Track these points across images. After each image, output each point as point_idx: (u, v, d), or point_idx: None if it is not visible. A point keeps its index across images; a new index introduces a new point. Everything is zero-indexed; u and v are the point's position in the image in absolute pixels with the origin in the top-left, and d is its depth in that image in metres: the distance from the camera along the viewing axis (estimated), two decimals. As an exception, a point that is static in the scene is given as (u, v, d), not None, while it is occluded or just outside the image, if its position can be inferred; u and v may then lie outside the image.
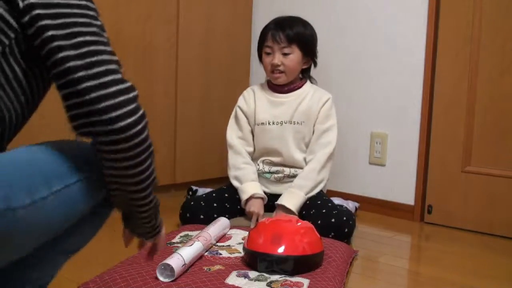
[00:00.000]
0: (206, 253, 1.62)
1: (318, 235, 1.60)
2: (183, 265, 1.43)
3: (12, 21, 0.83)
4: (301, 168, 2.10)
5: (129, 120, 0.83)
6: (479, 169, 2.19)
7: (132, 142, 0.84)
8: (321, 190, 2.07)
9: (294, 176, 2.08)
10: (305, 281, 1.43)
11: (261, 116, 2.12)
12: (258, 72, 2.50)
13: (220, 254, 1.63)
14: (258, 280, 1.43)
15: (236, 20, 2.74)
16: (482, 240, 2.11)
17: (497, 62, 2.13)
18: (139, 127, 0.84)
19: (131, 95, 0.84)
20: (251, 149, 2.15)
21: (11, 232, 0.78)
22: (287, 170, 2.11)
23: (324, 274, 1.49)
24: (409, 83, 2.35)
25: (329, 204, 1.95)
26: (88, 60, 0.83)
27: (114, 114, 0.81)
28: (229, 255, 1.62)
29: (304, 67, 2.14)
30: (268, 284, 1.41)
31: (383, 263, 1.80)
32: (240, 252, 1.64)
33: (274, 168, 2.12)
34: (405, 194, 2.38)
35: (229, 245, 1.72)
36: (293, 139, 2.09)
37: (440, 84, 2.28)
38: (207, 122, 2.60)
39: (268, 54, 2.09)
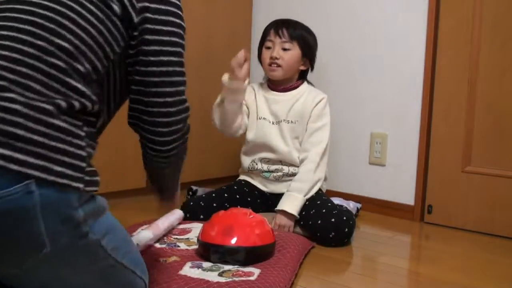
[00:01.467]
0: (164, 246, 1.66)
1: (270, 227, 1.65)
2: None
3: (125, 33, 0.99)
4: (296, 166, 2.09)
5: (174, 137, 1.12)
6: (479, 169, 2.19)
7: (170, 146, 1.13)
8: (320, 190, 2.07)
9: (293, 174, 2.07)
10: (256, 271, 1.49)
11: (261, 112, 2.13)
12: (257, 72, 2.50)
13: (178, 246, 1.68)
14: (211, 271, 1.48)
15: (236, 20, 2.74)
16: (482, 240, 2.11)
17: (497, 62, 2.13)
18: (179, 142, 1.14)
19: (183, 115, 1.12)
20: (242, 132, 2.15)
21: (80, 253, 0.91)
22: (285, 169, 2.11)
23: (276, 264, 1.54)
24: (409, 83, 2.35)
25: (329, 204, 1.95)
26: (164, 79, 1.03)
27: (165, 129, 1.09)
28: (187, 247, 1.67)
29: (302, 68, 2.15)
30: (220, 274, 1.46)
31: (383, 263, 1.80)
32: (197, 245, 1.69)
33: (273, 167, 2.12)
34: (405, 194, 2.38)
35: (187, 238, 1.76)
36: (290, 138, 2.10)
37: (440, 84, 2.28)
38: (207, 122, 2.60)
39: (268, 48, 2.10)
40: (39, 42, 0.88)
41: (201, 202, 2.00)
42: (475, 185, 2.20)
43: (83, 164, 0.88)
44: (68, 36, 0.91)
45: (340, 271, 1.73)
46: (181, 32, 1.07)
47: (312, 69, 2.20)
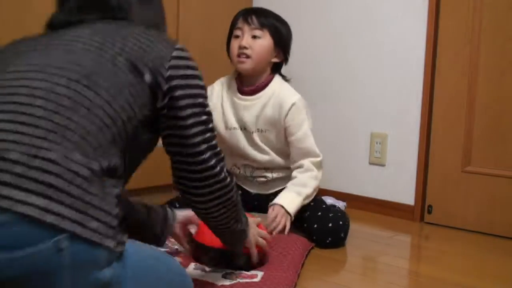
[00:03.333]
0: (166, 249, 1.64)
1: (265, 232, 1.57)
2: None
3: (154, 99, 1.02)
4: (283, 169, 1.99)
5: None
6: (479, 169, 2.19)
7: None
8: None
9: (277, 178, 1.99)
10: (259, 273, 1.48)
11: (229, 120, 1.98)
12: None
13: (180, 250, 1.66)
14: (215, 272, 1.48)
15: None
16: (482, 240, 2.11)
17: (497, 62, 2.13)
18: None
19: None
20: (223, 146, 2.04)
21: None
22: (269, 175, 2.01)
23: (278, 266, 1.54)
24: (409, 83, 2.35)
25: (323, 206, 1.92)
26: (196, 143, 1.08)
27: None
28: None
29: (275, 60, 1.95)
30: (224, 276, 1.45)
31: (383, 263, 1.80)
32: None
33: (256, 173, 2.02)
34: (405, 194, 2.37)
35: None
36: (266, 146, 1.97)
37: (440, 84, 2.28)
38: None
39: (236, 37, 1.92)
40: (83, 106, 0.91)
41: (176, 204, 1.89)
42: (475, 185, 2.20)
43: (115, 223, 0.86)
44: (107, 98, 0.94)
45: (340, 271, 1.73)
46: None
47: (286, 62, 2.00)
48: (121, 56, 0.97)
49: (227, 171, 1.14)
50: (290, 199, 1.87)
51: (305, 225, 1.88)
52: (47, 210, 0.77)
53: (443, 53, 2.26)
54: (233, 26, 1.96)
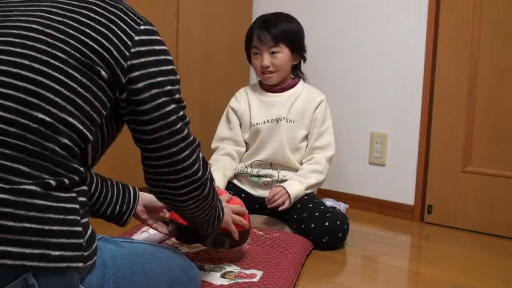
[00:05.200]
0: (168, 250, 1.63)
1: (246, 212, 1.53)
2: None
3: (111, 94, 0.95)
4: (291, 169, 2.06)
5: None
6: (479, 169, 2.19)
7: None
8: (312, 192, 2.02)
9: (283, 181, 2.02)
10: (259, 272, 1.48)
11: (256, 118, 2.08)
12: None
13: (180, 250, 1.66)
14: (213, 271, 1.48)
15: (236, 20, 2.74)
16: (482, 240, 2.11)
17: (497, 62, 2.13)
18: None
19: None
20: (242, 149, 2.11)
21: None
22: (275, 175, 2.06)
23: (278, 266, 1.53)
24: (409, 83, 2.35)
25: (322, 207, 1.92)
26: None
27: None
28: (188, 251, 1.66)
29: (294, 63, 2.10)
30: (222, 275, 1.45)
31: (383, 263, 1.80)
32: (199, 247, 1.67)
33: (263, 172, 2.07)
34: (405, 194, 2.38)
35: None
36: (286, 138, 2.05)
37: (440, 84, 2.28)
38: (206, 122, 2.60)
39: (256, 54, 2.06)
40: (22, 120, 0.82)
41: None
42: (475, 185, 2.20)
43: (81, 241, 0.84)
44: (53, 110, 0.85)
45: (340, 271, 1.73)
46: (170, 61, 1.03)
47: (305, 60, 2.13)
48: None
49: (203, 160, 1.09)
50: (292, 184, 1.95)
51: (302, 226, 1.88)
52: (5, 254, 0.77)
53: (443, 53, 2.26)
54: (249, 42, 2.09)
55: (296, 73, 2.16)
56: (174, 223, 1.44)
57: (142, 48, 0.96)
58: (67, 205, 0.84)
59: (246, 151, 2.12)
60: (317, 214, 1.88)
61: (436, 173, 2.30)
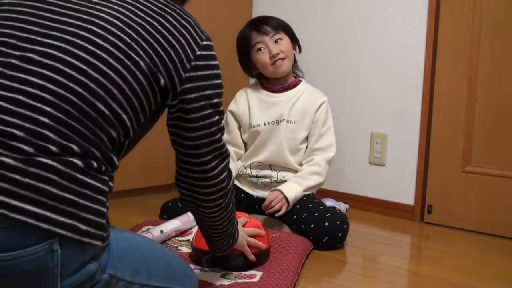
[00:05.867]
0: (166, 248, 1.64)
1: (265, 232, 1.60)
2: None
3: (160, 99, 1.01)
4: (290, 170, 2.05)
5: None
6: (479, 169, 2.19)
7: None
8: (311, 193, 2.01)
9: (282, 181, 2.02)
10: (258, 273, 1.48)
11: (255, 119, 2.06)
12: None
13: (180, 250, 1.68)
14: (214, 271, 1.48)
15: (236, 20, 2.74)
16: (482, 240, 2.11)
17: (497, 62, 2.13)
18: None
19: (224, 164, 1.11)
20: (241, 151, 2.11)
21: None
22: (274, 176, 2.05)
23: (277, 266, 1.53)
24: (409, 83, 2.35)
25: (321, 207, 1.92)
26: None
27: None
28: (189, 250, 1.66)
29: (294, 52, 2.09)
30: (222, 275, 1.46)
31: (383, 263, 1.80)
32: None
33: (262, 172, 2.06)
34: (405, 194, 2.38)
35: (189, 240, 1.76)
36: (285, 139, 2.03)
37: (440, 84, 2.28)
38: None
39: (259, 50, 2.02)
40: (85, 108, 0.89)
41: (178, 204, 1.94)
42: (475, 185, 2.20)
43: (104, 221, 0.90)
44: (114, 105, 0.92)
45: (340, 271, 1.73)
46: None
47: (300, 51, 2.12)
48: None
49: (229, 170, 1.14)
50: (290, 187, 1.95)
51: (302, 226, 1.88)
52: (43, 218, 0.82)
53: (443, 53, 2.26)
54: (247, 44, 2.05)
55: (294, 71, 2.14)
56: (193, 248, 1.56)
57: (200, 63, 1.04)
58: (101, 186, 0.90)
59: (245, 151, 2.12)
60: (316, 214, 1.88)
61: (436, 173, 2.30)
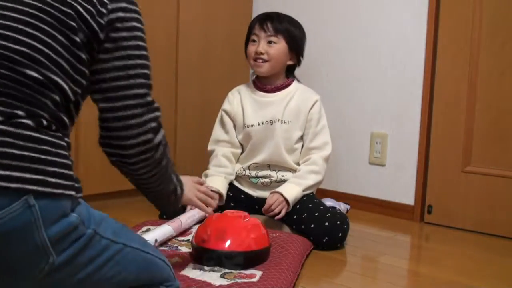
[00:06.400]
0: (166, 248, 1.66)
1: (265, 230, 1.62)
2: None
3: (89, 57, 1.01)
4: (289, 170, 2.05)
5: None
6: (479, 169, 2.19)
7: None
8: (311, 193, 2.02)
9: (282, 181, 2.02)
10: (258, 272, 1.48)
11: (249, 119, 2.06)
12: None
13: (180, 249, 1.67)
14: (213, 271, 1.48)
15: (236, 20, 2.74)
16: (482, 240, 2.11)
17: (497, 62, 2.13)
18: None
19: (151, 115, 1.08)
20: (238, 151, 2.11)
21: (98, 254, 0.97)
22: (274, 175, 2.06)
23: (277, 266, 1.53)
24: (409, 83, 2.35)
25: (321, 207, 1.92)
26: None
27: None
28: (189, 250, 1.65)
29: (289, 63, 2.08)
30: (222, 276, 1.46)
31: (383, 263, 1.80)
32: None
33: (261, 173, 2.07)
34: (405, 194, 2.38)
35: (189, 240, 1.75)
36: (281, 139, 2.04)
37: (440, 84, 2.28)
38: (206, 123, 2.60)
39: (253, 42, 2.05)
40: (16, 76, 0.91)
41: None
42: (475, 185, 2.20)
43: (71, 173, 0.93)
44: (43, 70, 0.93)
45: (340, 271, 1.73)
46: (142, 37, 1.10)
47: (299, 64, 2.12)
48: None
49: (158, 122, 1.11)
50: (289, 187, 1.95)
51: (302, 226, 1.88)
52: (9, 178, 0.86)
53: (443, 53, 2.26)
54: (250, 31, 2.09)
55: (290, 75, 2.13)
56: (193, 246, 1.57)
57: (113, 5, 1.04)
58: (57, 141, 0.93)
59: (242, 152, 2.12)
60: (316, 214, 1.88)
61: (436, 173, 2.30)
